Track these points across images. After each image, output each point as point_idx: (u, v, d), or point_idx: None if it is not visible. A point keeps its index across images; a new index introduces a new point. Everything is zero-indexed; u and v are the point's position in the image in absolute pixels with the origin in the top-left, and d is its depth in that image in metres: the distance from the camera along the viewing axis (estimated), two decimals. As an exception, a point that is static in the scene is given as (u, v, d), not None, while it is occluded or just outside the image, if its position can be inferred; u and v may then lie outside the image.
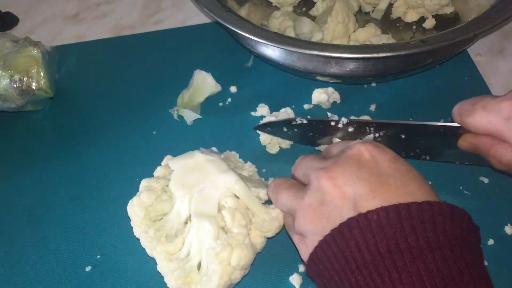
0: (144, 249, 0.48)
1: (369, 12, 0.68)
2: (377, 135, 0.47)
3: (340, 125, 0.48)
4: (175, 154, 0.56)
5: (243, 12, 0.66)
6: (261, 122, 0.54)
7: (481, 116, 0.40)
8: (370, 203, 0.34)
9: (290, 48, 0.51)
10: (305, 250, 0.38)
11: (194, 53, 0.66)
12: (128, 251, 0.49)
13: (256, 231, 0.43)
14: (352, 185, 0.35)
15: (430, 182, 0.50)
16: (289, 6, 0.68)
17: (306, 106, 0.58)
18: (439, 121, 0.45)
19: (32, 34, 0.73)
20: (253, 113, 0.58)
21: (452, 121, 0.44)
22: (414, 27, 0.66)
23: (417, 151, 0.49)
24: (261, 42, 0.53)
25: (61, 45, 0.70)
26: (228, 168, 0.45)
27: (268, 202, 0.45)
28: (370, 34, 0.61)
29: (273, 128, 0.53)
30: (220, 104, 0.60)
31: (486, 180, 0.50)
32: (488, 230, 0.47)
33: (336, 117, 0.48)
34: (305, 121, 0.49)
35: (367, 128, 0.47)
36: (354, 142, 0.39)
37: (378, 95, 0.59)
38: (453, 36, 0.51)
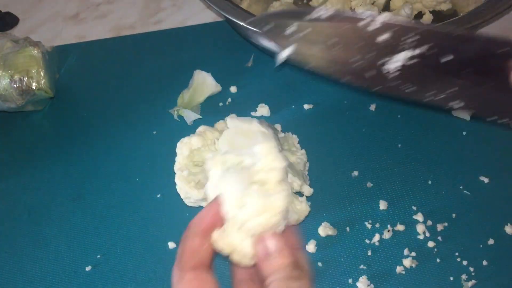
0: (144, 248, 0.48)
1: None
2: (416, 52, 0.34)
3: (371, 27, 0.34)
4: (175, 154, 0.56)
5: (244, 4, 0.66)
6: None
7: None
8: None
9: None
10: None
11: (194, 53, 0.66)
12: (128, 251, 0.49)
13: None
14: None
15: (430, 182, 0.51)
16: None
17: (306, 106, 0.58)
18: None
19: (32, 34, 0.73)
20: (253, 113, 0.59)
21: None
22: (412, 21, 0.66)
23: (456, 89, 0.34)
24: (259, 32, 0.53)
25: (61, 45, 0.70)
26: (275, 146, 0.39)
27: (299, 193, 0.45)
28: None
29: (275, 24, 0.39)
30: (220, 104, 0.60)
31: (486, 180, 0.50)
32: (488, 230, 0.47)
33: (367, 14, 0.34)
34: (324, 15, 0.34)
35: (407, 38, 0.34)
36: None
37: (378, 95, 0.59)
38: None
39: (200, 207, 0.47)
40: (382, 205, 0.49)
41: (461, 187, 0.50)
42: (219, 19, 0.71)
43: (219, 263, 0.47)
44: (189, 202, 0.47)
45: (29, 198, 0.54)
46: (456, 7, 0.64)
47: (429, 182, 0.51)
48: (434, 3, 0.63)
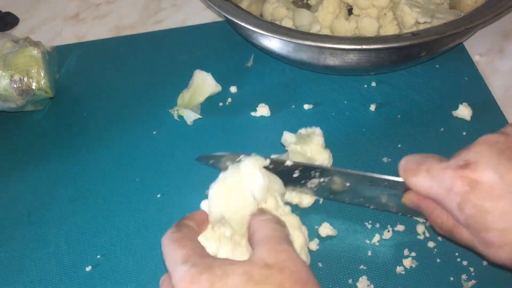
0: (145, 248, 0.48)
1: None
2: (321, 180, 0.46)
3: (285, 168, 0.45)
4: (175, 154, 0.56)
5: (244, 4, 0.66)
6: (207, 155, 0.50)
7: (424, 179, 0.38)
8: None
9: (284, 38, 0.52)
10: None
11: (194, 53, 0.66)
12: (128, 251, 0.49)
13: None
14: None
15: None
16: None
17: (306, 106, 0.58)
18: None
19: (32, 34, 0.73)
20: (253, 113, 0.58)
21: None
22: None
23: (361, 199, 0.47)
24: (258, 32, 0.54)
25: (61, 45, 0.70)
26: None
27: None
28: (347, 27, 0.61)
29: (216, 161, 0.49)
30: (220, 104, 0.60)
31: (486, 180, 0.50)
32: (488, 230, 0.47)
33: (284, 159, 0.45)
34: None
35: (311, 172, 0.46)
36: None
37: (378, 95, 0.59)
38: (444, 30, 0.52)
39: None
40: (382, 205, 0.49)
41: (461, 187, 0.50)
42: (219, 19, 0.71)
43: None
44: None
45: (29, 198, 0.54)
46: (456, 8, 0.64)
47: (429, 182, 0.50)
48: (413, 22, 0.60)
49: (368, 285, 0.44)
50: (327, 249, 0.47)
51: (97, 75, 0.66)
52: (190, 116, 0.58)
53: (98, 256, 0.49)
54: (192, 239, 0.37)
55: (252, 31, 0.55)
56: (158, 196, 0.53)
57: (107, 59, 0.68)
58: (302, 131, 0.52)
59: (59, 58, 0.64)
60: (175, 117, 0.59)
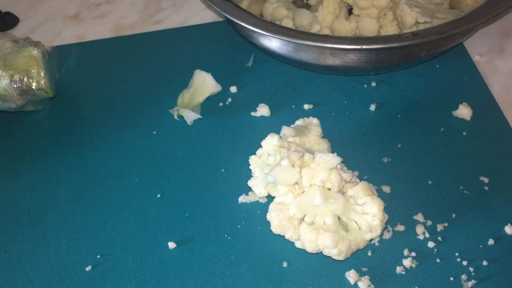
0: (144, 248, 0.48)
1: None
2: None
3: None
4: (175, 154, 0.56)
5: (244, 4, 0.66)
6: None
7: None
8: None
9: (284, 38, 0.52)
10: None
11: (194, 53, 0.66)
12: (128, 251, 0.49)
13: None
14: None
15: (430, 182, 0.51)
16: None
17: (306, 106, 0.58)
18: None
19: (32, 34, 0.73)
20: (253, 113, 0.58)
21: None
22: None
23: None
24: (258, 32, 0.54)
25: (61, 45, 0.70)
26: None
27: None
28: (347, 27, 0.61)
29: None
30: (220, 104, 0.60)
31: (486, 180, 0.50)
32: (488, 230, 0.47)
33: None
34: None
35: None
36: None
37: (378, 95, 0.59)
38: (444, 29, 0.52)
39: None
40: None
41: (461, 187, 0.50)
42: (219, 19, 0.71)
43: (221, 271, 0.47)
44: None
45: (29, 198, 0.54)
46: (456, 8, 0.64)
47: (429, 182, 0.51)
48: (413, 22, 0.60)
49: (368, 285, 0.44)
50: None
51: (97, 75, 0.66)
52: (190, 116, 0.58)
53: (98, 256, 0.49)
54: None
55: (252, 31, 0.55)
56: (158, 196, 0.53)
57: (107, 59, 0.68)
58: (299, 122, 0.53)
59: (59, 58, 0.64)
60: (175, 117, 0.59)
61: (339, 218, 0.45)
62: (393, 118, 0.56)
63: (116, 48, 0.69)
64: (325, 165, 0.44)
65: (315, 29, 0.61)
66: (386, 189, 0.50)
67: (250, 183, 0.49)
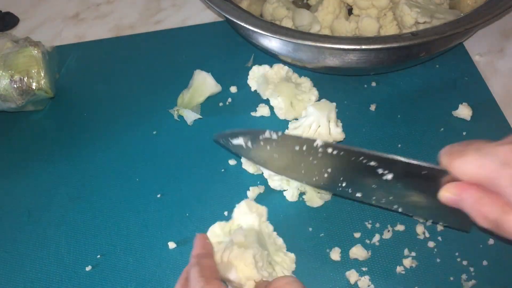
0: (144, 248, 0.48)
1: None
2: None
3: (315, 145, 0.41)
4: (175, 154, 0.56)
5: (244, 4, 0.66)
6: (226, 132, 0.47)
7: (473, 159, 0.34)
8: None
9: (284, 38, 0.52)
10: None
11: (194, 53, 0.66)
12: (128, 251, 0.49)
13: None
14: None
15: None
16: None
17: (306, 106, 0.59)
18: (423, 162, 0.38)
19: (32, 34, 0.73)
20: (253, 113, 0.58)
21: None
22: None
23: (391, 198, 0.41)
24: (258, 32, 0.54)
25: (61, 45, 0.70)
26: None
27: None
28: (347, 27, 0.61)
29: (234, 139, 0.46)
30: (220, 104, 0.60)
31: (486, 180, 0.50)
32: (488, 230, 0.47)
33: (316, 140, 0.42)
34: (275, 136, 0.42)
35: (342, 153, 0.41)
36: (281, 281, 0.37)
37: (378, 95, 0.59)
38: (444, 29, 0.52)
39: None
40: (382, 205, 0.49)
41: (461, 187, 0.50)
42: (219, 19, 0.71)
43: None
44: None
45: (29, 198, 0.54)
46: (456, 8, 0.64)
47: (429, 182, 0.51)
48: (412, 22, 0.59)
49: (368, 285, 0.44)
50: (327, 249, 0.47)
51: (97, 75, 0.66)
52: (190, 116, 0.58)
53: (98, 256, 0.49)
54: (217, 278, 0.39)
55: (252, 31, 0.55)
56: (158, 196, 0.53)
57: (107, 59, 0.68)
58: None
59: (59, 58, 0.64)
60: (175, 117, 0.59)
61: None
62: (393, 118, 0.56)
63: (116, 48, 0.69)
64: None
65: (315, 29, 0.61)
66: (386, 189, 0.51)
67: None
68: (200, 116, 0.59)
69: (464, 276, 0.44)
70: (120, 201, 0.53)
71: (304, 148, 0.42)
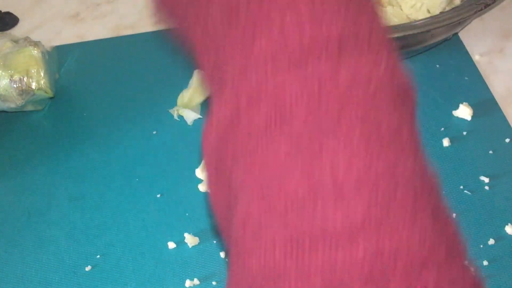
0: (144, 248, 0.48)
1: None
2: None
3: None
4: (175, 154, 0.56)
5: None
6: None
7: None
8: None
9: None
10: None
11: (194, 53, 0.66)
12: (128, 251, 0.49)
13: None
14: None
15: (430, 182, 0.50)
16: None
17: (306, 106, 0.58)
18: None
19: (32, 34, 0.72)
20: (253, 113, 0.58)
21: None
22: None
23: None
24: None
25: (61, 45, 0.70)
26: None
27: None
28: None
29: None
30: (220, 104, 0.60)
31: (486, 180, 0.50)
32: (488, 230, 0.47)
33: None
34: None
35: None
36: None
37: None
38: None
39: None
40: (382, 205, 0.49)
41: (461, 187, 0.50)
42: (219, 19, 0.71)
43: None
44: None
45: (29, 198, 0.54)
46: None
47: (429, 182, 0.50)
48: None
49: (368, 285, 0.44)
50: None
51: (97, 75, 0.66)
52: (190, 116, 0.58)
53: (98, 256, 0.49)
54: None
55: None
56: (158, 196, 0.53)
57: (107, 59, 0.68)
58: None
59: (59, 58, 0.64)
60: (175, 117, 0.59)
61: None
62: (393, 118, 0.56)
63: (116, 48, 0.69)
64: None
65: None
66: (386, 189, 0.50)
67: None
68: (200, 116, 0.59)
69: (464, 276, 0.44)
70: (120, 201, 0.53)
71: None
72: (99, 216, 0.52)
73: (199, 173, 0.45)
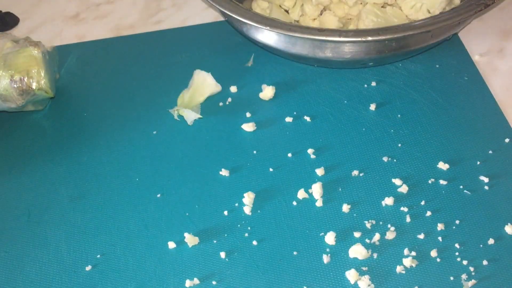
0: (144, 248, 0.48)
1: None
2: None
3: None
4: (175, 154, 0.56)
5: (245, 5, 0.66)
6: None
7: None
8: None
9: (284, 32, 0.53)
10: None
11: (194, 53, 0.66)
12: (128, 251, 0.49)
13: None
14: None
15: (430, 182, 0.51)
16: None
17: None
18: None
19: (32, 34, 0.73)
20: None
21: None
22: None
23: None
24: (256, 26, 0.54)
25: (61, 45, 0.70)
26: None
27: None
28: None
29: None
30: (220, 104, 0.60)
31: (486, 180, 0.50)
32: (488, 230, 0.47)
33: None
34: None
35: None
36: None
37: (378, 95, 0.59)
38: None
39: None
40: (382, 204, 0.49)
41: (461, 187, 0.50)
42: (220, 19, 0.71)
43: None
44: None
45: (29, 198, 0.54)
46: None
47: (429, 182, 0.51)
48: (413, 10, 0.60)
49: (368, 285, 0.44)
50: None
51: (97, 75, 0.66)
52: (190, 116, 0.58)
53: (98, 256, 0.49)
54: None
55: (249, 25, 0.55)
56: (158, 196, 0.53)
57: (107, 59, 0.68)
58: None
59: (59, 58, 0.64)
60: (175, 117, 0.59)
61: None
62: (393, 118, 0.56)
63: (116, 48, 0.69)
64: None
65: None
66: (386, 189, 0.51)
67: None
68: (200, 116, 0.59)
69: (464, 276, 0.44)
70: (120, 201, 0.53)
71: None
72: (99, 216, 0.52)
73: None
